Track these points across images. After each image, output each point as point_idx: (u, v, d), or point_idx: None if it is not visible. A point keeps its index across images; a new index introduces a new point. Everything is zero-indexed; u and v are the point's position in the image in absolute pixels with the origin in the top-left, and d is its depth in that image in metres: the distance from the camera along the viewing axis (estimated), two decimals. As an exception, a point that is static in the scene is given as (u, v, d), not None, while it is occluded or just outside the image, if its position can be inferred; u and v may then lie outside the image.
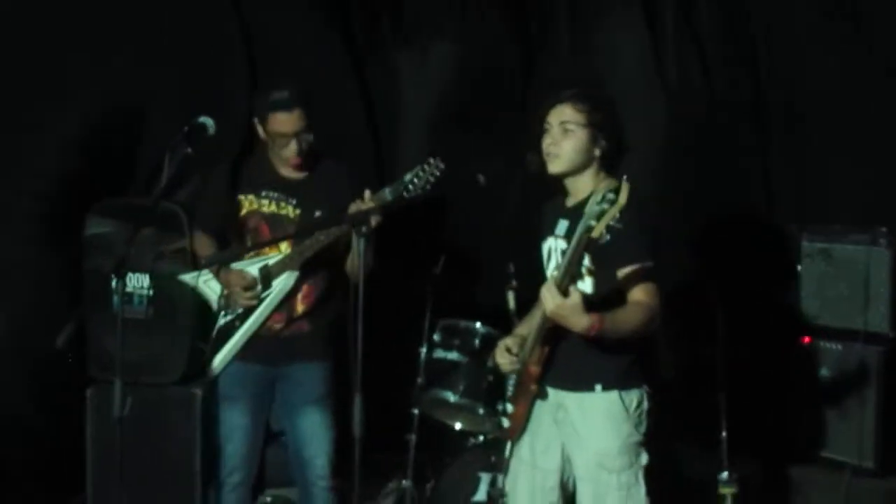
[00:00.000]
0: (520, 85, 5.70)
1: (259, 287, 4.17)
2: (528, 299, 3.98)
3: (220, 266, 4.29)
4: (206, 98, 4.92)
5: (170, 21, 5.13)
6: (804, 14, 5.30)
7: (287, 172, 4.25)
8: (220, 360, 4.25)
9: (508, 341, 3.83)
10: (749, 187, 5.53)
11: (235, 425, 4.35)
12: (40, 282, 4.93)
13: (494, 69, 5.69)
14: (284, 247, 4.19)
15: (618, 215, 3.20)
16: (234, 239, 4.34)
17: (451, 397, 4.64)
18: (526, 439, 3.83)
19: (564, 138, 3.63)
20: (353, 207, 3.90)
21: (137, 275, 4.45)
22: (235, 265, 4.27)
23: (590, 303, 3.39)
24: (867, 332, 4.84)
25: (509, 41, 5.70)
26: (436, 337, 4.84)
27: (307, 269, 4.17)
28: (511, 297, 4.79)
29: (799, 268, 5.08)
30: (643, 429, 3.67)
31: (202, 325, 4.47)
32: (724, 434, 4.65)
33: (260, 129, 4.20)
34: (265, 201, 4.23)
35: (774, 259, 5.30)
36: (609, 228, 3.22)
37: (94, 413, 4.63)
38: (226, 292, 4.25)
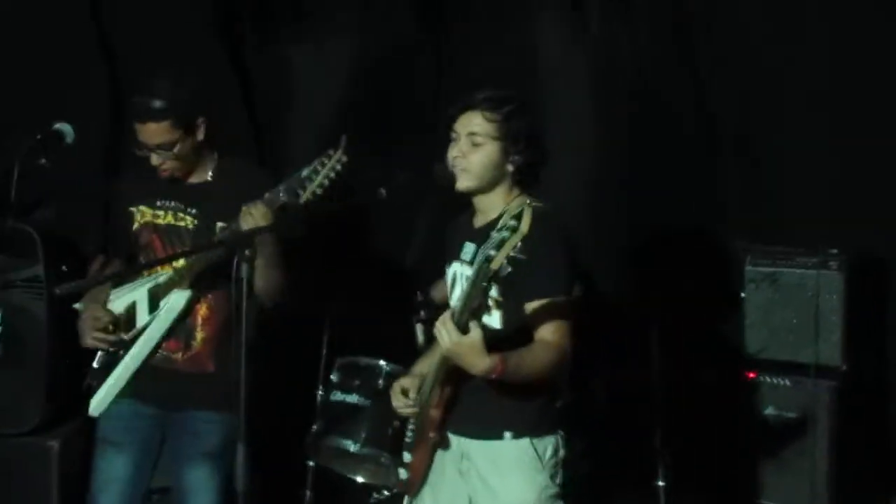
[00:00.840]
0: (431, 82, 5.62)
1: (140, 316, 4.00)
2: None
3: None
4: (65, 104, 4.78)
5: (20, 21, 5.05)
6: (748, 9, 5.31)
7: (185, 177, 4.10)
8: (99, 398, 4.04)
9: (405, 381, 3.75)
10: (692, 197, 5.43)
11: (114, 477, 4.13)
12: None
13: (401, 63, 5.61)
14: (181, 262, 4.04)
15: (519, 244, 3.12)
16: (123, 259, 4.19)
17: (352, 446, 4.57)
18: (427, 493, 3.74)
19: (473, 151, 3.55)
20: (243, 216, 3.81)
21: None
22: (118, 289, 4.09)
23: (497, 339, 3.31)
24: (818, 365, 4.80)
25: (418, 31, 5.62)
26: (333, 377, 4.78)
27: (203, 288, 4.02)
28: (420, 331, 4.75)
29: (742, 294, 5.02)
30: (559, 479, 3.59)
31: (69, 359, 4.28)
32: (660, 483, 4.70)
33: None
34: (161, 212, 4.09)
35: (718, 280, 5.23)
36: (511, 259, 3.14)
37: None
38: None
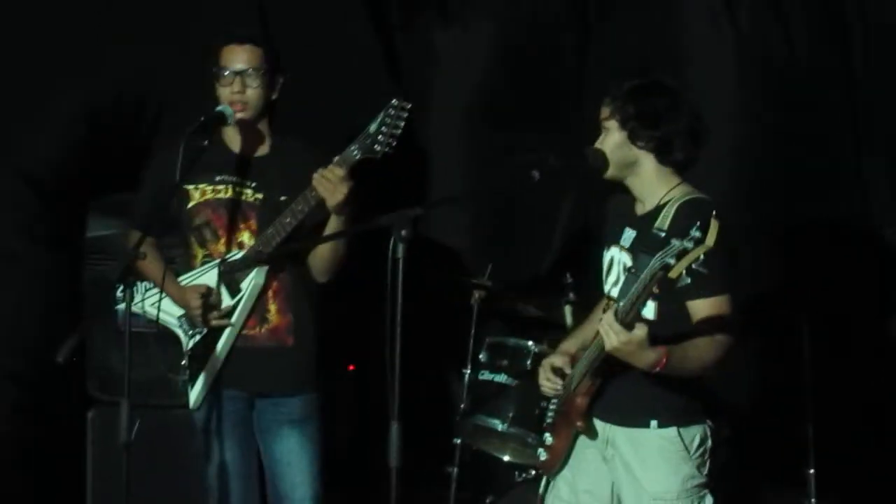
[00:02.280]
0: (575, 66, 5.56)
1: (223, 298, 4.05)
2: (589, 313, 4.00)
3: (164, 283, 4.07)
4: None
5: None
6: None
7: (244, 148, 4.11)
8: (198, 389, 4.11)
9: (556, 359, 3.76)
10: (839, 183, 5.34)
11: (225, 462, 4.16)
12: (34, 283, 4.98)
13: (545, 49, 5.57)
14: (246, 237, 4.06)
15: (702, 258, 3.14)
16: (180, 241, 4.19)
17: (499, 425, 4.63)
18: (566, 476, 3.75)
19: (603, 138, 3.61)
20: (318, 176, 3.84)
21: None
22: (187, 276, 4.12)
23: (651, 330, 3.31)
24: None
25: (564, 15, 5.56)
26: (482, 357, 4.82)
27: (274, 261, 4.04)
28: (568, 312, 4.85)
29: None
30: (706, 469, 3.59)
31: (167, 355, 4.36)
32: (811, 471, 4.63)
33: (216, 87, 4.06)
34: (221, 187, 4.08)
35: (872, 268, 5.16)
36: (690, 271, 3.15)
37: (97, 437, 4.66)
38: (185, 314, 4.12)
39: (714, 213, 3.21)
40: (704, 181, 3.70)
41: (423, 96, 5.47)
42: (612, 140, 3.61)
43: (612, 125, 3.61)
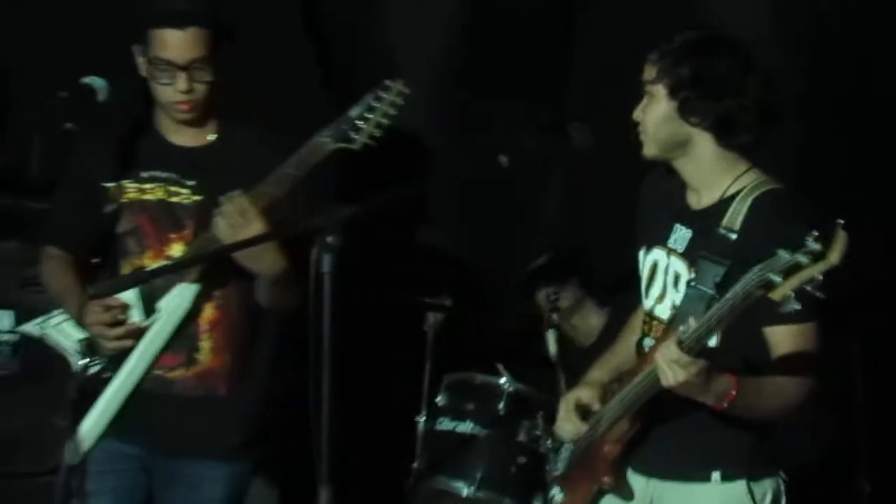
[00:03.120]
0: (561, 27, 5.50)
1: (135, 314, 3.90)
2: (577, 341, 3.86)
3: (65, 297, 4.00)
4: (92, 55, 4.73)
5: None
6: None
7: (181, 139, 3.99)
8: (83, 438, 3.90)
9: (583, 393, 3.63)
10: (882, 188, 5.24)
11: None
12: None
13: (524, 12, 5.48)
14: (179, 250, 3.94)
15: (821, 278, 2.96)
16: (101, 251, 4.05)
17: (465, 489, 4.54)
18: None
19: (646, 107, 3.50)
20: (217, 220, 3.73)
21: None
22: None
23: (710, 359, 3.21)
24: None
25: None
26: (440, 399, 4.76)
27: (212, 281, 3.92)
28: (552, 338, 4.81)
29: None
30: None
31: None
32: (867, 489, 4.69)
33: (140, 62, 3.92)
34: (149, 186, 3.97)
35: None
36: (800, 294, 3.00)
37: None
38: (85, 337, 3.94)
39: (840, 224, 3.03)
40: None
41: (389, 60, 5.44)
42: (658, 111, 3.47)
43: (659, 91, 3.45)
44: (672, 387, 3.18)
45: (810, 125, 5.20)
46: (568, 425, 3.64)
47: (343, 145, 3.80)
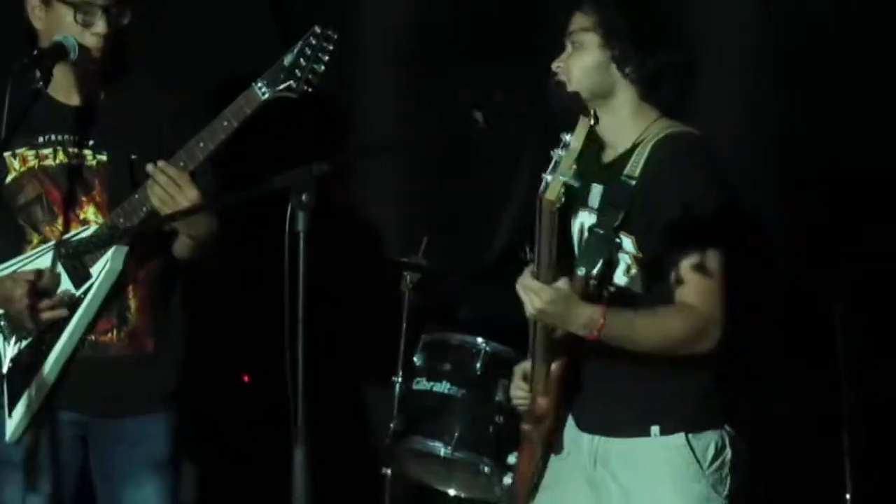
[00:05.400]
0: None
1: (62, 283, 3.90)
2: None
3: None
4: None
5: None
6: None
7: (70, 98, 3.94)
8: (17, 418, 3.93)
9: (528, 364, 3.62)
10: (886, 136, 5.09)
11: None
12: None
13: None
14: (91, 212, 3.93)
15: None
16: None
17: (442, 449, 4.57)
18: None
19: (572, 56, 3.56)
20: (149, 187, 3.75)
21: None
22: (11, 264, 3.95)
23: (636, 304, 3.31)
24: None
25: None
26: (416, 360, 4.76)
27: (138, 241, 3.93)
28: None
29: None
30: (726, 488, 3.50)
31: None
32: (847, 496, 4.66)
33: (36, 12, 3.87)
34: (48, 151, 3.94)
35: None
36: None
37: None
38: (4, 313, 3.93)
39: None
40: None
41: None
42: (586, 61, 3.53)
43: (591, 40, 3.52)
44: (535, 316, 3.27)
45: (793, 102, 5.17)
46: (519, 392, 3.70)
47: (282, 94, 3.77)
